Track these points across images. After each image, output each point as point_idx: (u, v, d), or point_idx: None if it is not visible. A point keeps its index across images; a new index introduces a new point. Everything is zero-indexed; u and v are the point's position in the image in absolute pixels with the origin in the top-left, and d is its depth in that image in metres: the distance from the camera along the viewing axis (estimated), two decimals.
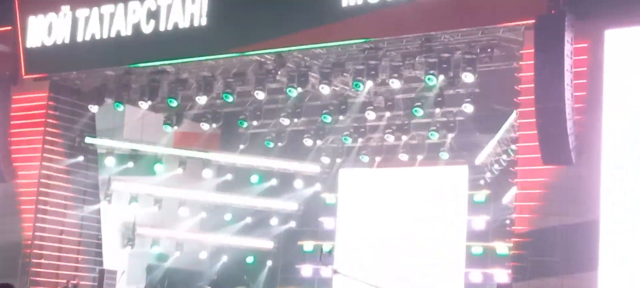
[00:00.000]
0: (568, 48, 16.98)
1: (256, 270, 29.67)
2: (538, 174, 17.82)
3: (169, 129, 26.54)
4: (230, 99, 23.75)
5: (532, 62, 17.43)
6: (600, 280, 16.50)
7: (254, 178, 29.28)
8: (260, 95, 23.14)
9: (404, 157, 26.66)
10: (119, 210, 27.71)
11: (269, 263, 29.89)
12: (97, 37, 23.99)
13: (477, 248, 25.24)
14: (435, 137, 25.13)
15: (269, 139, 27.42)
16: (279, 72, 22.83)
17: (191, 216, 29.19)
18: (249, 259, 30.05)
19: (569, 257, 17.02)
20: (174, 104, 24.32)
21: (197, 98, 24.25)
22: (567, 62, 16.93)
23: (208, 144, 28.18)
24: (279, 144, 27.58)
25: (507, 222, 23.99)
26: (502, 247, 24.08)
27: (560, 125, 16.90)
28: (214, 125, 26.23)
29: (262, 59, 22.75)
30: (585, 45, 17.39)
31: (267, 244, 29.76)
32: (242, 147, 28.26)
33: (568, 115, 16.96)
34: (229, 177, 28.96)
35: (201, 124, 26.07)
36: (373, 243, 27.02)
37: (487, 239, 25.23)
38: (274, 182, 29.24)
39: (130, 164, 27.59)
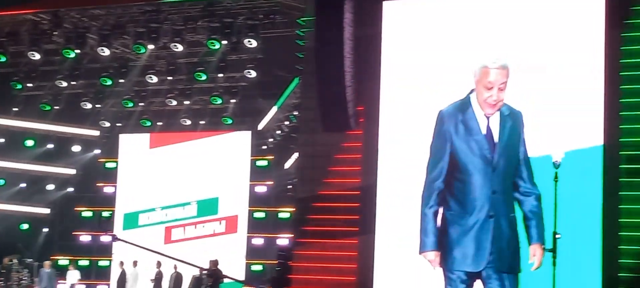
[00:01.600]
0: (348, 17, 17.30)
1: (31, 237, 28.57)
2: (318, 140, 18.11)
3: None
4: (3, 59, 22.60)
5: (314, 29, 17.65)
6: (377, 242, 17.00)
7: (29, 143, 28.06)
8: (35, 56, 22.15)
9: (186, 121, 26.40)
10: None
11: (45, 230, 28.88)
12: None
13: (260, 213, 25.43)
14: (218, 102, 25.04)
15: (45, 101, 26.35)
16: (56, 33, 21.94)
17: None
18: (24, 226, 28.86)
19: (349, 221, 17.43)
20: None
21: None
22: (347, 31, 17.25)
23: None
24: (56, 107, 26.57)
25: (289, 187, 24.35)
26: (284, 212, 24.39)
27: (340, 92, 17.23)
28: None
29: (37, 18, 21.76)
30: (364, 16, 17.75)
31: (43, 210, 28.71)
32: (15, 109, 26.99)
33: (348, 82, 17.32)
34: (1, 140, 27.63)
35: None
36: (154, 208, 26.64)
37: (269, 204, 25.47)
38: (50, 146, 28.18)
39: None
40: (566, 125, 15.66)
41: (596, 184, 15.57)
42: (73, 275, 24.77)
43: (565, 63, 16.00)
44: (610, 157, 15.61)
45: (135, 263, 23.85)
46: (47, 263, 24.00)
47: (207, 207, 26.05)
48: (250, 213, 25.45)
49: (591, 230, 15.46)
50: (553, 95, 15.90)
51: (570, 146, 15.26)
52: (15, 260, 24.01)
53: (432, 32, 17.03)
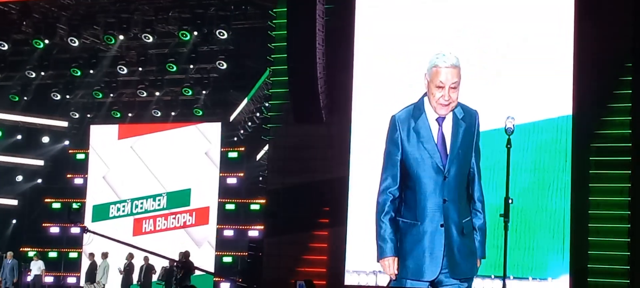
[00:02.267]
0: (320, 8, 17.29)
1: None
2: (290, 132, 18.10)
3: None
4: None
5: (285, 21, 17.62)
6: (349, 234, 17.01)
7: None
8: (4, 46, 21.97)
9: (157, 113, 26.28)
10: None
11: (14, 221, 28.64)
12: None
13: (230, 205, 25.37)
14: (189, 94, 24.94)
15: (13, 92, 26.10)
16: (25, 23, 21.75)
17: None
18: None
19: (320, 212, 17.45)
20: None
21: None
22: (319, 22, 17.25)
23: None
24: (25, 98, 26.34)
25: (260, 178, 24.32)
26: (255, 204, 24.36)
27: (312, 83, 17.23)
28: None
29: (6, 8, 21.56)
30: (334, 6, 17.76)
31: (12, 202, 28.46)
32: None
33: (319, 74, 17.32)
34: None
35: None
36: (125, 199, 26.52)
37: (240, 195, 25.41)
38: (19, 137, 27.94)
39: None
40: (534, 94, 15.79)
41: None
42: (36, 265, 24.56)
43: (534, 33, 16.09)
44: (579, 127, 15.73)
45: (105, 255, 23.70)
46: (9, 253, 23.68)
47: (179, 198, 25.95)
48: (221, 205, 25.39)
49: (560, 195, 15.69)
50: (522, 64, 15.99)
51: (538, 116, 15.46)
52: (6, 257, 23.77)
53: (406, 24, 17.03)
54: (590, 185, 15.91)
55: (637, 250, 15.66)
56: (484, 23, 16.21)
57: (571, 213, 15.59)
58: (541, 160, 15.77)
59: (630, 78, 15.97)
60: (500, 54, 16.00)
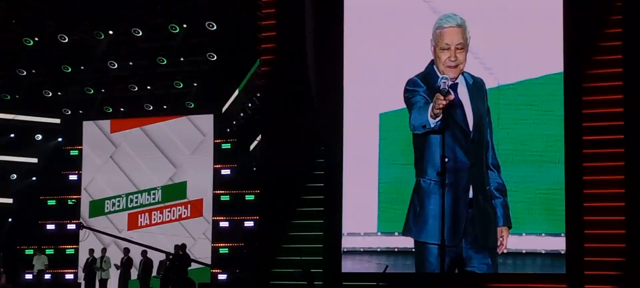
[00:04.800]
0: None
1: None
2: (282, 122, 18.09)
3: None
4: None
5: (274, 10, 17.61)
6: (344, 221, 17.06)
7: None
8: None
9: (149, 107, 26.27)
10: None
11: (9, 220, 28.62)
12: None
13: (225, 196, 25.41)
14: (180, 87, 24.94)
15: (5, 91, 26.07)
16: (13, 21, 21.72)
17: None
18: None
19: (315, 201, 17.48)
20: None
21: None
22: (308, 10, 17.23)
23: None
24: (17, 96, 26.32)
25: (254, 169, 24.33)
26: (250, 194, 24.39)
27: (303, 72, 17.23)
28: None
29: None
30: None
31: (7, 201, 28.44)
32: None
33: (310, 62, 17.31)
34: None
35: None
36: (120, 194, 26.55)
37: (234, 187, 25.43)
38: (12, 135, 27.91)
39: None
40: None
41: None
42: (40, 261, 24.50)
43: None
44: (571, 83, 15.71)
45: (104, 251, 23.74)
46: None
47: (174, 191, 25.98)
48: (216, 196, 25.42)
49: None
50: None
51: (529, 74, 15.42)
52: None
53: (396, 7, 16.95)
54: (583, 138, 15.78)
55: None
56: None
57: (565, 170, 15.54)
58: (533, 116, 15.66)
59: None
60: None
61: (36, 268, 24.39)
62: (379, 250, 16.59)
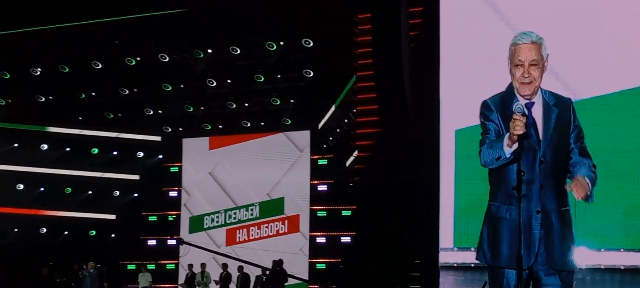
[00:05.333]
0: (405, 13, 17.27)
1: (99, 243, 29.02)
2: (378, 137, 18.10)
3: (2, 102, 25.59)
4: (67, 69, 23.05)
5: (370, 26, 17.65)
6: (441, 235, 16.94)
7: (94, 150, 28.54)
8: (98, 65, 22.55)
9: (246, 123, 26.61)
10: None
11: (112, 236, 29.30)
12: None
13: (322, 212, 25.51)
14: (277, 103, 25.18)
15: (108, 109, 26.79)
16: (116, 41, 22.30)
17: (29, 191, 28.23)
18: (91, 232, 29.36)
19: (411, 217, 17.40)
20: (7, 76, 23.40)
21: (31, 69, 23.42)
22: (404, 26, 17.22)
23: (45, 116, 27.29)
24: (119, 115, 27.00)
25: (350, 185, 24.35)
26: (346, 210, 24.42)
27: (398, 87, 17.20)
28: (51, 97, 25.45)
29: (98, 28, 22.15)
30: (421, 8, 17.71)
31: (110, 216, 29.15)
32: (80, 118, 27.51)
33: (405, 77, 17.28)
34: (67, 149, 28.15)
35: (37, 95, 25.20)
36: (218, 210, 26.89)
37: (330, 202, 25.51)
38: (114, 153, 28.62)
39: None
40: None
41: None
42: (144, 278, 24.96)
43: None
44: None
45: (204, 266, 24.03)
46: (90, 263, 24.00)
47: (271, 207, 26.20)
48: (312, 212, 25.54)
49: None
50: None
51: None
52: (85, 267, 24.25)
53: (491, 26, 16.82)
54: None
55: None
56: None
57: None
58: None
59: None
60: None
61: (141, 285, 24.79)
62: (455, 265, 16.48)
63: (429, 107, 17.32)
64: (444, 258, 16.60)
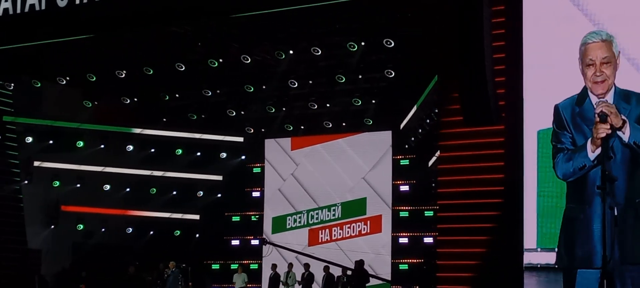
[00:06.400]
0: (487, 10, 17.04)
1: (184, 243, 29.43)
2: (461, 136, 17.91)
3: (89, 104, 26.10)
4: (151, 71, 23.40)
5: (453, 25, 17.46)
6: (526, 237, 16.65)
7: (178, 151, 28.95)
8: (181, 67, 22.83)
9: (328, 124, 26.64)
10: (41, 189, 27.16)
11: (197, 236, 29.68)
12: (10, 12, 23.23)
13: (404, 212, 25.41)
14: (358, 104, 25.15)
15: (191, 111, 27.13)
16: (199, 44, 22.53)
17: (115, 192, 28.79)
18: (176, 232, 29.79)
19: (494, 218, 17.18)
20: (93, 78, 23.86)
21: (117, 72, 23.84)
22: (487, 25, 17.00)
23: (130, 118, 27.79)
24: (202, 116, 27.32)
25: (433, 185, 24.19)
26: (429, 210, 24.28)
27: (481, 86, 16.98)
28: (136, 99, 25.89)
29: (181, 30, 22.38)
30: (503, 7, 17.46)
31: (194, 216, 29.54)
32: (164, 120, 27.94)
33: (488, 76, 17.05)
34: (152, 150, 28.61)
35: (122, 97, 25.66)
36: (301, 211, 27.00)
37: (413, 203, 25.40)
38: (198, 154, 28.99)
39: (51, 142, 27.06)
40: None
41: None
42: (240, 278, 24.93)
43: None
44: None
45: (290, 266, 24.10)
46: (172, 263, 24.21)
47: (354, 207, 26.19)
48: (395, 212, 25.45)
49: None
50: None
51: None
52: (169, 267, 24.57)
53: (574, 24, 16.47)
54: None
55: None
56: None
57: None
58: None
59: None
60: None
61: (238, 286, 24.80)
62: (539, 266, 16.16)
63: (513, 107, 17.07)
64: (528, 259, 16.32)
